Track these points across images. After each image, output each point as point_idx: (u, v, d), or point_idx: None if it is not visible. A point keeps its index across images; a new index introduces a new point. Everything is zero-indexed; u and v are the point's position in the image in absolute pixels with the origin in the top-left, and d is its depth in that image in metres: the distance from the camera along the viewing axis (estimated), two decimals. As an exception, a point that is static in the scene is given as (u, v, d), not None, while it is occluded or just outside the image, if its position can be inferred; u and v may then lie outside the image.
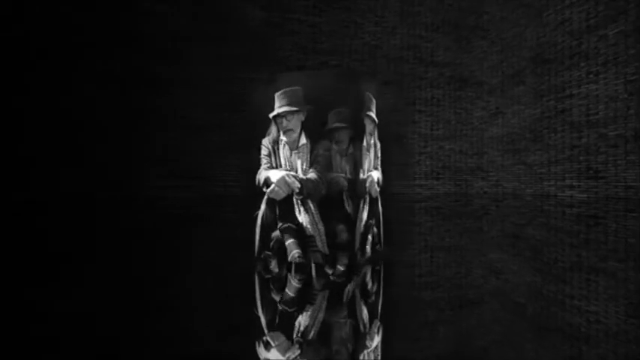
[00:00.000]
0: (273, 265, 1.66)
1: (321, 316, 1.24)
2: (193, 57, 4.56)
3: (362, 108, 1.90)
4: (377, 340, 1.09)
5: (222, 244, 2.25)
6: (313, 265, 1.73)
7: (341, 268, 1.73)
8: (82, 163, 4.13)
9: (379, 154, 2.03)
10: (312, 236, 1.81)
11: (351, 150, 2.02)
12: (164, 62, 4.49)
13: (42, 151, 4.06)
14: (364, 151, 1.94)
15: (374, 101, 1.99)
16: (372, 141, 1.98)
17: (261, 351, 0.97)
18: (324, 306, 1.31)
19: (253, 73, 4.69)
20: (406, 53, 5.34)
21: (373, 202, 1.91)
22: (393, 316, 1.20)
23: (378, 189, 1.92)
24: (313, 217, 1.82)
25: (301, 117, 1.87)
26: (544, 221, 3.22)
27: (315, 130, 1.86)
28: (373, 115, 1.99)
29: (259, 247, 1.79)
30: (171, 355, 0.96)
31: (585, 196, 4.14)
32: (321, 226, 1.85)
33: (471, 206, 4.45)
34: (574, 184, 4.14)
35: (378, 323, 1.18)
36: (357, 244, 1.82)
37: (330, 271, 1.68)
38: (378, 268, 1.76)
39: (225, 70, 4.70)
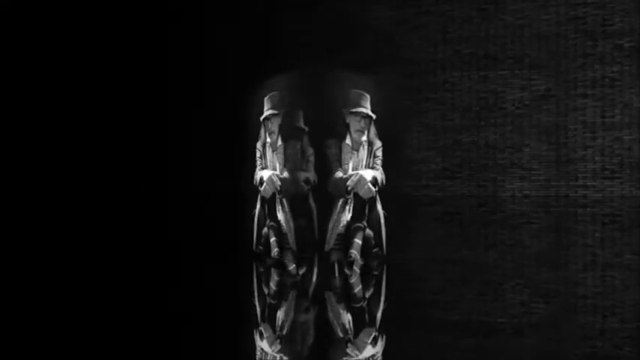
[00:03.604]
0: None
1: (291, 314, 1.24)
2: (325, 64, 4.66)
3: (345, 105, 1.86)
4: (370, 350, 0.95)
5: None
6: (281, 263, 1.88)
7: (357, 270, 1.77)
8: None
9: (379, 153, 1.95)
10: (286, 234, 1.91)
11: (331, 149, 1.99)
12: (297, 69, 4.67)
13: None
14: (346, 149, 1.90)
15: (366, 96, 1.92)
16: (364, 138, 1.90)
17: (257, 339, 1.01)
18: (293, 305, 1.33)
19: (385, 75, 4.60)
20: (564, 28, 4.46)
21: (364, 204, 1.87)
22: (552, 339, 0.93)
23: (375, 189, 1.86)
24: (286, 215, 1.92)
25: (279, 119, 2.04)
26: None
27: (290, 131, 2.03)
28: (365, 110, 1.90)
29: (255, 242, 1.99)
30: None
31: None
32: (291, 224, 1.93)
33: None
34: None
35: (374, 334, 1.05)
36: (330, 245, 1.85)
37: (349, 272, 1.74)
38: (376, 272, 1.70)
39: (360, 74, 4.66)
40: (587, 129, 4.28)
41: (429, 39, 4.63)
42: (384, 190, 4.08)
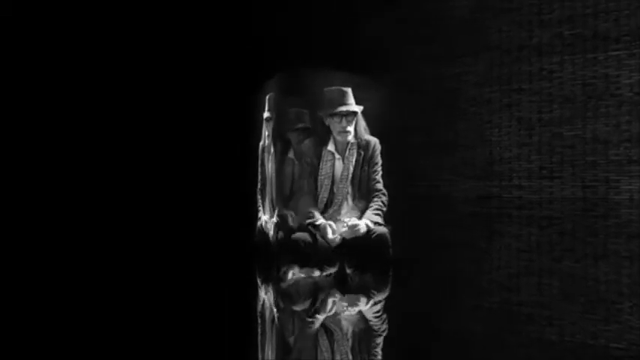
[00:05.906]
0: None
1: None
2: (409, 60, 4.49)
3: (321, 107, 1.57)
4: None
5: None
6: None
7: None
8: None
9: (378, 159, 1.58)
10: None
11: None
12: (377, 69, 4.55)
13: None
14: (327, 156, 1.57)
15: (345, 91, 1.60)
16: (350, 138, 1.61)
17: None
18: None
19: (468, 67, 4.29)
20: (702, -7, 3.69)
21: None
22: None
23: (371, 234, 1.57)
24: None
25: (272, 122, 1.95)
26: None
27: (279, 135, 1.94)
28: (345, 108, 1.56)
29: (256, 241, 2.30)
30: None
31: None
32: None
33: None
34: None
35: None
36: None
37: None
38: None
39: (442, 68, 4.44)
40: None
41: (521, 23, 4.17)
42: (465, 189, 3.72)
